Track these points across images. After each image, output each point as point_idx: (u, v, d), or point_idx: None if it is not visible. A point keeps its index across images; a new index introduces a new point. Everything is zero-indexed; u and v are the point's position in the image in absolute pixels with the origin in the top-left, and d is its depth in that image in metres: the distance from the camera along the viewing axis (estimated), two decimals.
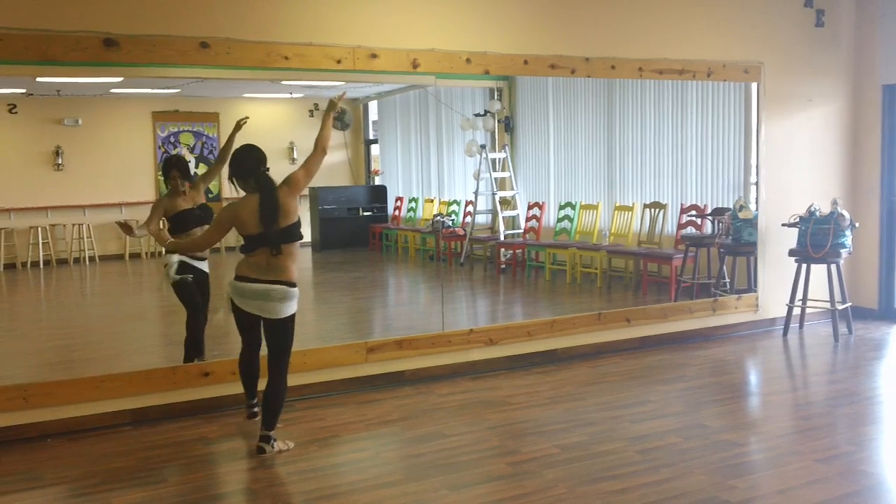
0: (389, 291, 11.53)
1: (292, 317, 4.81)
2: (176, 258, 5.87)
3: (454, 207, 12.56)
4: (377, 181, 15.54)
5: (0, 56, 5.04)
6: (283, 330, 4.79)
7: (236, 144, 4.95)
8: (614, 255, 9.56)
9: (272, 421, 4.87)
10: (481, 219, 11.95)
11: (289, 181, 4.72)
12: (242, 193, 4.78)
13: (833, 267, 7.54)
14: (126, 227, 5.77)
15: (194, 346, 6.02)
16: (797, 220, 7.58)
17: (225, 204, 5.04)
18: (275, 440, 4.86)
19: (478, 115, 11.71)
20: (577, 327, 7.04)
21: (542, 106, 11.33)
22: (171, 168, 6.00)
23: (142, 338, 8.18)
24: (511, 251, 11.00)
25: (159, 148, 14.27)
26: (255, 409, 5.12)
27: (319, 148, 4.83)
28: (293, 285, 4.75)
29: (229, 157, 4.86)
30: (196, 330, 6.04)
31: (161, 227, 5.94)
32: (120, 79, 10.60)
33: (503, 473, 4.49)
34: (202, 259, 6.02)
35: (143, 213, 13.68)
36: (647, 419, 5.33)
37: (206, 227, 5.64)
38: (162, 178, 6.16)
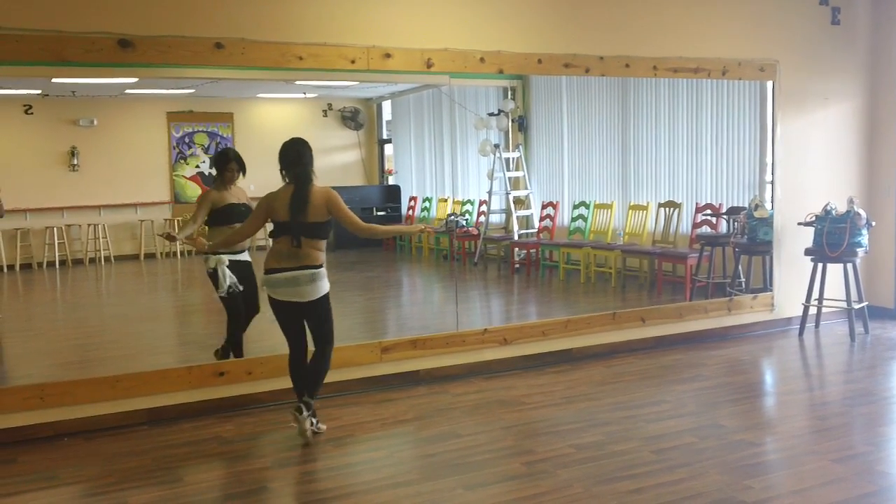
0: (403, 291, 11.53)
1: (327, 296, 4.95)
2: (216, 262, 5.85)
3: (468, 207, 12.55)
4: (391, 181, 15.54)
5: (16, 57, 5.08)
6: (320, 309, 4.96)
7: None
8: (629, 254, 9.53)
9: (315, 387, 5.01)
10: (495, 218, 11.93)
11: (337, 200, 4.91)
12: None
13: (849, 266, 7.49)
14: (169, 237, 5.71)
15: (234, 348, 6.06)
16: (813, 218, 7.54)
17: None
18: (315, 418, 5.02)
19: (491, 114, 11.69)
20: (591, 327, 7.03)
21: (556, 105, 11.30)
22: (231, 160, 6.05)
23: (157, 337, 8.21)
24: (525, 251, 10.99)
25: (174, 148, 14.31)
26: (303, 407, 4.94)
27: (365, 228, 5.05)
28: (318, 266, 4.89)
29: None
30: (236, 334, 6.08)
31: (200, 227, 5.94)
32: (135, 79, 10.65)
33: (518, 473, 4.49)
34: (241, 251, 6.04)
35: (157, 213, 13.76)
36: (663, 419, 5.32)
37: None
38: (214, 170, 6.14)
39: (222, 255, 5.85)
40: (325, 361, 5.05)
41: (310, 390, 5.01)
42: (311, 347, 5.10)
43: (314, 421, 5.06)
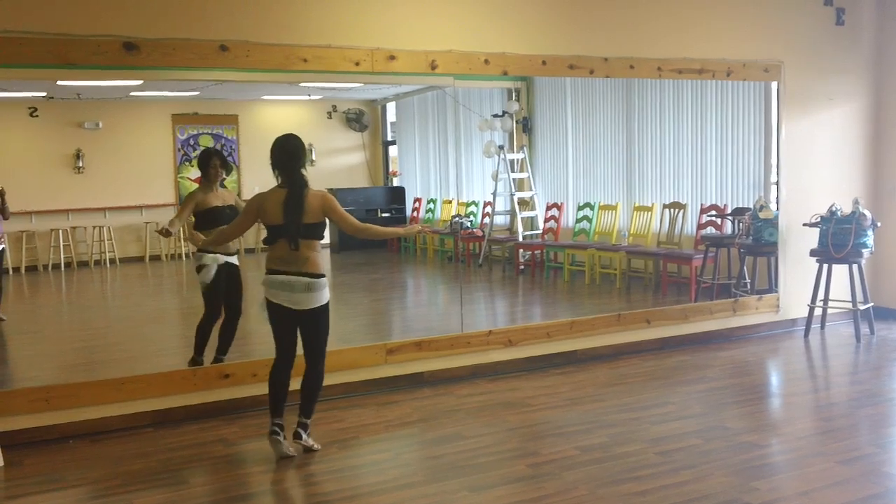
0: (408, 293, 11.54)
1: (325, 307, 4.80)
2: (212, 260, 5.90)
3: (472, 208, 12.55)
4: (395, 182, 15.55)
5: (22, 60, 5.09)
6: (315, 320, 4.79)
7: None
8: (633, 255, 9.52)
9: (309, 408, 4.89)
10: (500, 220, 11.94)
11: (333, 204, 4.75)
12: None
13: (855, 267, 7.48)
14: (165, 232, 5.68)
15: (198, 346, 6.07)
16: (818, 219, 7.52)
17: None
18: (306, 433, 4.90)
19: (496, 115, 11.69)
20: (596, 328, 7.02)
21: (561, 106, 11.30)
22: (213, 156, 6.09)
23: (162, 339, 8.21)
24: (530, 252, 10.99)
25: (179, 150, 14.34)
26: (278, 430, 4.81)
27: (362, 228, 4.93)
28: (318, 276, 4.74)
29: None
30: (204, 332, 6.10)
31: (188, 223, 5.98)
32: (140, 82, 10.67)
33: (523, 475, 4.49)
34: (232, 254, 6.08)
35: (162, 215, 13.78)
36: (668, 421, 5.31)
37: None
38: (199, 169, 6.17)
39: (219, 255, 5.91)
40: (318, 380, 4.88)
41: (305, 411, 4.89)
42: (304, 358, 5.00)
43: (306, 436, 4.90)
